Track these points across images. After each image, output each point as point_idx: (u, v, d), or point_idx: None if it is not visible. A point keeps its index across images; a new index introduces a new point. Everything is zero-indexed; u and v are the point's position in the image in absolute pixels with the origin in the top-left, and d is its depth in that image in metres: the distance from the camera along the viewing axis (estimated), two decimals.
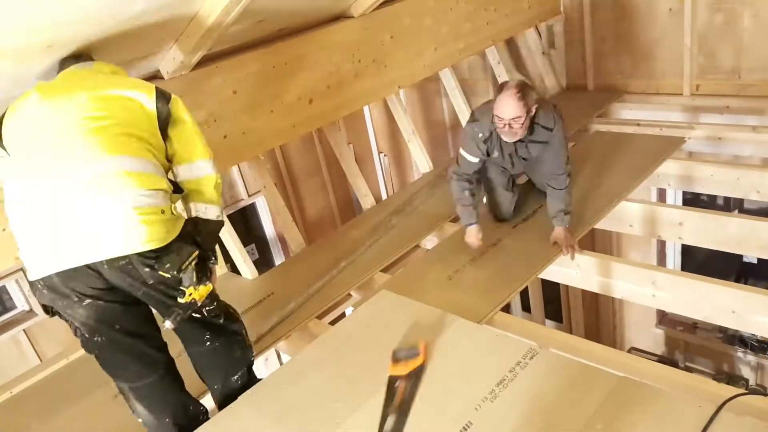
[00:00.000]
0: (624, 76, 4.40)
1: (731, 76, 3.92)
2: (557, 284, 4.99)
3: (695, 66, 4.02)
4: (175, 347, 2.00)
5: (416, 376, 1.93)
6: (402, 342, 2.07)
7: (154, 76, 2.58)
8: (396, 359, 2.00)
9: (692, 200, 4.71)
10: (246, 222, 4.99)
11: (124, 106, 1.75)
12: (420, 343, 2.02)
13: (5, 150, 1.74)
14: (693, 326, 5.07)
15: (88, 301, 1.73)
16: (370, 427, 1.77)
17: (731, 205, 4.76)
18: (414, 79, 3.77)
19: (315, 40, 3.07)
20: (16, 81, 2.05)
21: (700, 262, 4.92)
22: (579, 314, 5.36)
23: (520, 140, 2.72)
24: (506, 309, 2.70)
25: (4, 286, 3.64)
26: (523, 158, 2.87)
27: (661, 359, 5.18)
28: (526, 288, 3.33)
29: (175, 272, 1.71)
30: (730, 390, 1.76)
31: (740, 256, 4.83)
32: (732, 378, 4.73)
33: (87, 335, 1.80)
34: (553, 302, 5.50)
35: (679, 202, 4.50)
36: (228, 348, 2.02)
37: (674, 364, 5.02)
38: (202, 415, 2.04)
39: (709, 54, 3.96)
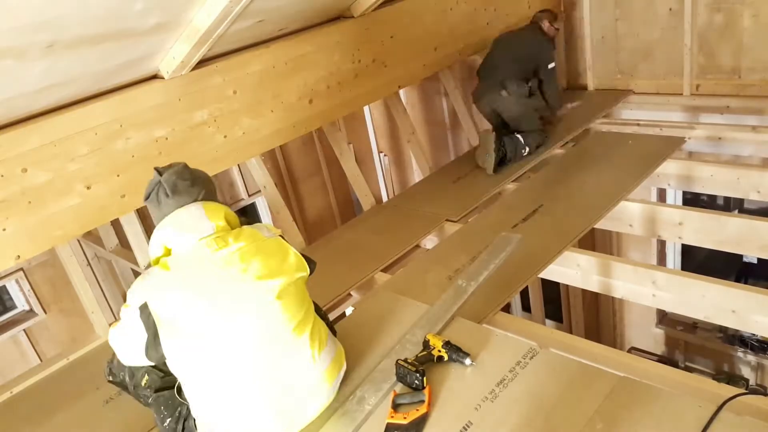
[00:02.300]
0: (624, 76, 4.40)
1: (731, 76, 3.92)
2: (557, 284, 4.99)
3: (695, 66, 4.02)
4: None
5: (417, 427, 1.70)
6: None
7: (154, 76, 2.59)
8: (396, 405, 1.78)
9: (692, 200, 4.71)
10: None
11: None
12: (426, 389, 1.81)
13: None
14: (693, 326, 5.08)
15: None
16: (371, 427, 1.77)
17: (731, 205, 4.75)
18: (414, 79, 3.77)
19: (315, 40, 3.07)
20: (16, 81, 2.05)
21: (700, 262, 4.93)
22: (579, 314, 5.36)
23: None
24: (506, 309, 2.70)
25: (4, 286, 3.65)
26: None
27: (661, 359, 5.18)
28: (526, 288, 3.33)
29: None
30: (730, 390, 1.75)
31: (740, 256, 4.84)
32: (732, 378, 4.73)
33: None
34: (553, 302, 5.50)
35: (679, 202, 4.50)
36: None
37: (674, 364, 5.02)
38: None
39: (709, 54, 3.96)
